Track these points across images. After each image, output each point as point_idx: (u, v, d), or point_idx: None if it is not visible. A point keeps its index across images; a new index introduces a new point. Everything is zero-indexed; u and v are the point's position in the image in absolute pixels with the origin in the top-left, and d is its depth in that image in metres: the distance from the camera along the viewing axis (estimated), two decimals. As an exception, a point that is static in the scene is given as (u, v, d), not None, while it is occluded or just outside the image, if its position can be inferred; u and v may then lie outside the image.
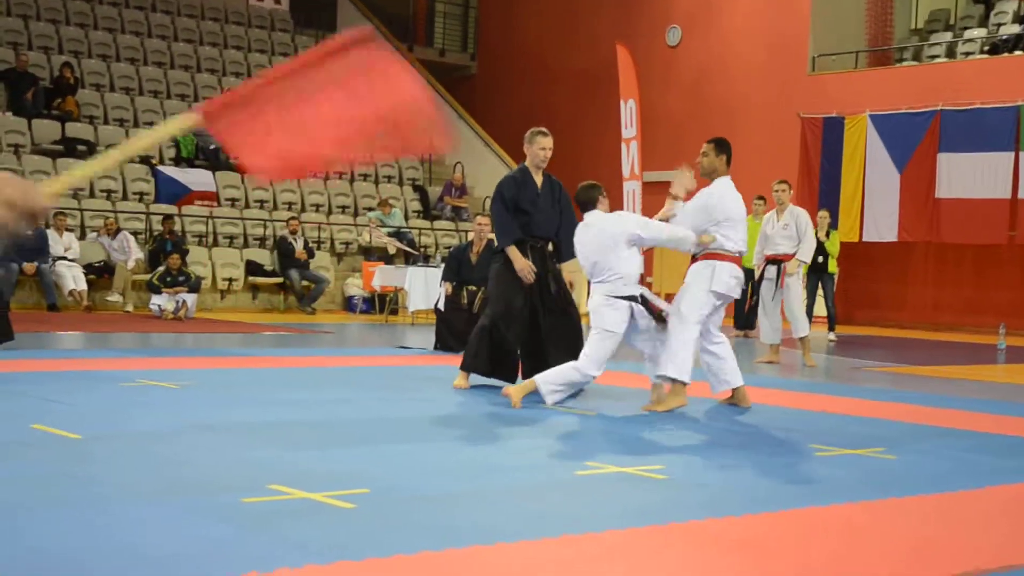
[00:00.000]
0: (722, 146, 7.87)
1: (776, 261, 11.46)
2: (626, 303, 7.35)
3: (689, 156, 24.62)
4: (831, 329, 16.07)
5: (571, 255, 8.25)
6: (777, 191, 11.75)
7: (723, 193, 7.81)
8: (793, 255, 11.43)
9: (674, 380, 7.40)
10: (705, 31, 23.35)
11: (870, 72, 21.70)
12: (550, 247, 8.51)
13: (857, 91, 20.92)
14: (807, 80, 21.79)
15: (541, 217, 8.44)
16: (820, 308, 16.29)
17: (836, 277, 16.10)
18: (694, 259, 7.81)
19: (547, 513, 4.41)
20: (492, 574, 3.56)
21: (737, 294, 7.80)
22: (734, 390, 7.83)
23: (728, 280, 7.66)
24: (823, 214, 16.40)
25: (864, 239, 19.57)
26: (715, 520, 4.33)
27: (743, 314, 16.33)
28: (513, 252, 8.23)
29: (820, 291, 16.06)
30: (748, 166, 22.24)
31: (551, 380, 7.33)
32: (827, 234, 15.83)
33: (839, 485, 5.17)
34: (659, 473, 5.27)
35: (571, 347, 8.00)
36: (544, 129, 8.67)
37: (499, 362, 8.34)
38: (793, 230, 11.45)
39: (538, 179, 8.54)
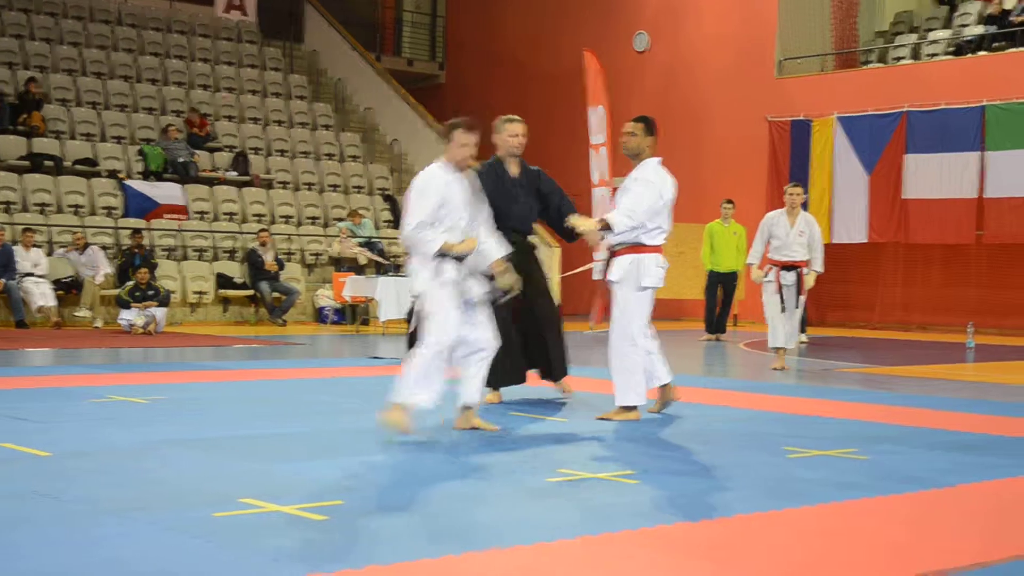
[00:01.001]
0: (651, 126, 7.60)
1: (793, 267, 11.33)
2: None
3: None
4: (802, 331, 16.10)
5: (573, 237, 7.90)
6: (792, 194, 11.37)
7: (664, 176, 7.52)
8: (807, 262, 11.33)
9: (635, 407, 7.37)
10: (672, 37, 23.44)
11: (836, 75, 21.83)
12: (531, 240, 8.32)
13: (824, 94, 21.05)
14: (774, 83, 21.90)
15: (517, 209, 8.10)
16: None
17: (806, 279, 16.14)
18: (613, 253, 7.43)
19: (520, 521, 4.40)
20: (465, 583, 3.55)
21: (663, 283, 7.41)
22: (663, 386, 7.65)
23: (656, 271, 7.34)
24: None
25: (834, 240, 19.66)
26: (688, 524, 4.34)
27: (714, 318, 16.38)
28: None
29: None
30: (717, 170, 22.37)
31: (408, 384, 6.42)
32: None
33: (812, 486, 5.18)
34: (631, 478, 5.27)
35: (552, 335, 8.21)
36: (514, 116, 8.16)
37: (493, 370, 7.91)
38: (808, 237, 11.34)
39: (513, 169, 8.16)
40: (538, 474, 5.38)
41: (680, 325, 20.46)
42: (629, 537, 4.14)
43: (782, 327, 11.33)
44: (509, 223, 7.87)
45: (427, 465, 5.64)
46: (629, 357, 7.29)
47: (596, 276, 7.56)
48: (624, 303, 7.32)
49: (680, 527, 4.30)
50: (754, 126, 21.75)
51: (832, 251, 20.27)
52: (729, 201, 16.67)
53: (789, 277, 11.27)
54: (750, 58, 22.09)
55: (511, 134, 8.01)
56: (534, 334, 8.21)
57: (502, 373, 7.87)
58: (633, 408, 7.33)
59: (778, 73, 21.99)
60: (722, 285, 16.40)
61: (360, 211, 20.28)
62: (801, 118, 20.96)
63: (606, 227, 7.15)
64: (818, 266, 11.37)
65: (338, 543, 3.96)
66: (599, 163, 17.99)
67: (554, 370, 8.37)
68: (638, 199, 7.25)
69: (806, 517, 4.57)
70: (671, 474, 5.49)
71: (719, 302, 16.50)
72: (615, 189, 7.57)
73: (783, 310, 11.31)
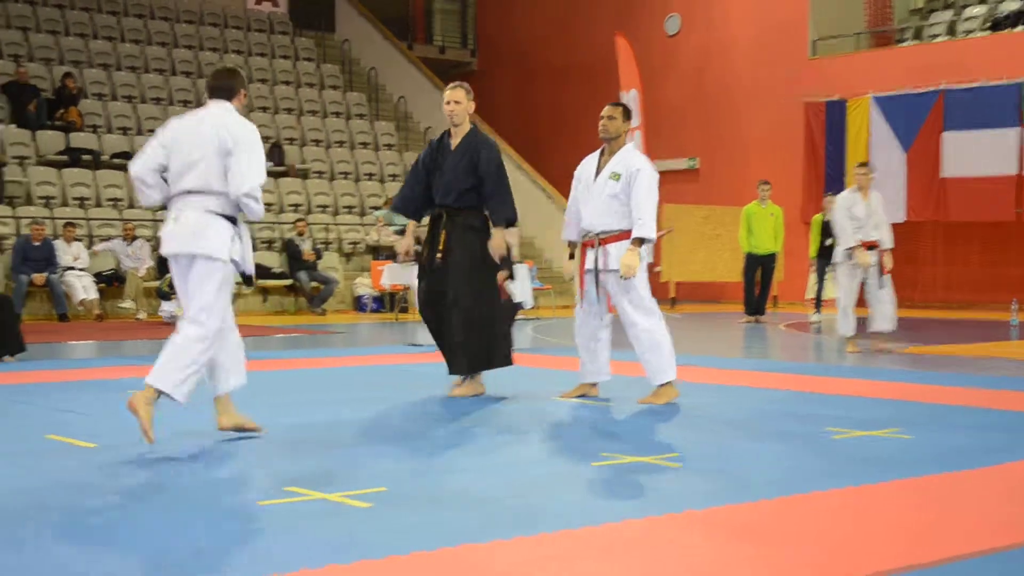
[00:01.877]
0: (628, 112, 7.50)
1: (872, 247, 11.13)
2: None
3: (692, 145, 24.71)
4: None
5: (500, 221, 7.52)
6: (862, 174, 11.25)
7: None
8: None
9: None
10: (704, 19, 23.32)
11: (871, 53, 21.66)
12: (457, 216, 7.63)
13: (859, 73, 20.89)
14: (808, 64, 21.76)
15: (440, 181, 7.62)
16: (831, 291, 16.25)
17: (846, 259, 16.03)
18: (601, 242, 7.30)
19: (566, 505, 4.40)
20: (513, 569, 3.55)
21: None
22: (593, 383, 7.63)
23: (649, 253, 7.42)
24: (830, 198, 16.39)
25: (872, 221, 19.48)
26: (733, 506, 4.33)
27: (753, 300, 16.31)
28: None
29: (830, 274, 16.02)
30: (751, 152, 22.27)
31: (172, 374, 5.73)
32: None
33: (855, 466, 5.16)
34: (674, 461, 5.26)
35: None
36: (456, 82, 7.73)
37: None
38: (879, 216, 11.24)
39: (454, 140, 7.67)
40: (582, 459, 5.38)
41: (718, 308, 20.40)
42: (674, 520, 4.14)
43: (879, 310, 11.19)
44: (433, 195, 7.70)
45: (470, 451, 5.65)
46: (654, 333, 7.29)
47: (588, 267, 7.42)
48: (632, 284, 7.28)
49: (725, 509, 4.28)
50: (788, 107, 21.62)
51: (870, 231, 20.19)
52: (766, 182, 16.58)
53: (873, 257, 11.15)
54: (783, 38, 21.95)
55: (444, 102, 7.66)
56: (444, 319, 7.68)
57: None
58: (670, 383, 7.33)
59: (812, 53, 21.85)
60: (761, 267, 16.31)
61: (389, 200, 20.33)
62: (836, 98, 20.82)
63: (641, 243, 7.17)
64: (889, 243, 11.25)
65: (384, 530, 3.97)
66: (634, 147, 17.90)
67: (451, 362, 7.74)
68: (651, 197, 7.21)
69: (852, 497, 4.55)
70: (714, 456, 5.48)
71: (758, 284, 16.42)
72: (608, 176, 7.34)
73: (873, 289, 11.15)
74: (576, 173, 7.56)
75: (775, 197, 16.88)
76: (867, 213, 11.12)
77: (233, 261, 5.77)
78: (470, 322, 7.55)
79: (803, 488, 4.68)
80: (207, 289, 5.70)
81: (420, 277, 7.85)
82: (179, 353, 5.64)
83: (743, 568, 3.55)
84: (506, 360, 7.81)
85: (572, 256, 7.59)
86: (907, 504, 4.46)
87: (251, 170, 5.74)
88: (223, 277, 5.75)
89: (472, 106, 7.73)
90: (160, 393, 5.59)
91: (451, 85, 7.71)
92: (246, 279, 6.10)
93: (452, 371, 7.75)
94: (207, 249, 5.69)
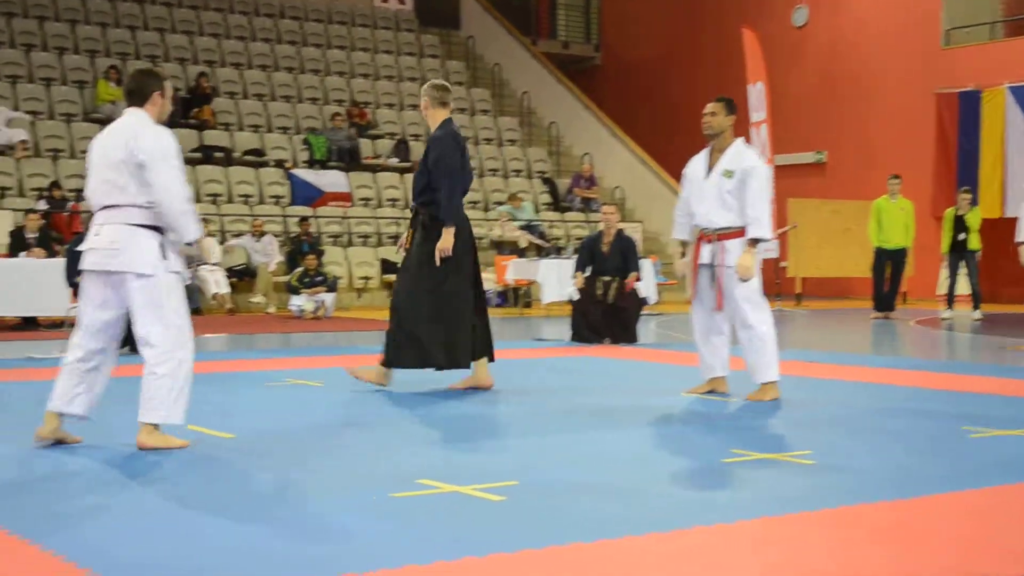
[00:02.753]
0: (731, 106, 7.34)
1: None
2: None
3: (819, 138, 24.29)
4: (976, 308, 15.65)
5: (443, 221, 7.46)
6: None
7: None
8: None
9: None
10: (833, 9, 22.93)
11: (1007, 43, 21.07)
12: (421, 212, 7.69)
13: (993, 63, 20.34)
14: (941, 54, 21.26)
15: (415, 178, 7.83)
16: (964, 286, 15.89)
17: (979, 254, 15.67)
18: (719, 237, 7.22)
19: (698, 502, 4.39)
20: (645, 564, 3.55)
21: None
22: (719, 378, 7.55)
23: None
24: (964, 190, 16.03)
25: (1007, 214, 19.00)
26: (867, 505, 4.27)
27: (883, 295, 16.00)
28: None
29: (963, 269, 15.67)
30: (881, 145, 21.84)
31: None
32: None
33: (995, 467, 5.04)
34: (807, 459, 5.20)
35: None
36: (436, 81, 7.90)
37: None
38: None
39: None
40: (712, 455, 5.35)
41: (846, 304, 20.06)
42: (809, 518, 4.10)
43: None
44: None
45: (598, 446, 5.66)
46: (764, 331, 7.19)
47: (703, 261, 7.33)
48: (753, 283, 7.20)
49: (860, 508, 4.22)
50: (920, 99, 21.16)
51: (1004, 225, 19.61)
52: (896, 176, 16.25)
53: None
54: (915, 28, 21.49)
55: (423, 107, 7.82)
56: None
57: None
58: (774, 382, 7.26)
59: (945, 43, 21.34)
60: (890, 262, 16.00)
61: (520, 195, 20.40)
62: (970, 89, 20.30)
63: (756, 243, 7.12)
64: None
65: (517, 523, 4.01)
66: (759, 141, 17.78)
67: (385, 354, 7.73)
68: (765, 195, 7.15)
69: (992, 497, 4.45)
70: (847, 454, 5.40)
71: (887, 279, 16.11)
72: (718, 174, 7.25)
73: None
74: (684, 172, 7.53)
75: (905, 190, 16.53)
76: None
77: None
78: (396, 319, 7.60)
79: (939, 488, 4.59)
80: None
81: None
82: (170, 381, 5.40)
83: (881, 568, 3.49)
84: (420, 363, 7.61)
85: (684, 255, 7.57)
86: (1049, 506, 4.36)
87: (173, 183, 5.35)
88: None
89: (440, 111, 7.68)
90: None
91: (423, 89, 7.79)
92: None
93: (385, 362, 7.66)
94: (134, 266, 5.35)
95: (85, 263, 5.45)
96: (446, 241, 7.44)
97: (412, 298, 7.57)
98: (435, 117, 7.72)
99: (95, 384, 5.48)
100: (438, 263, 7.47)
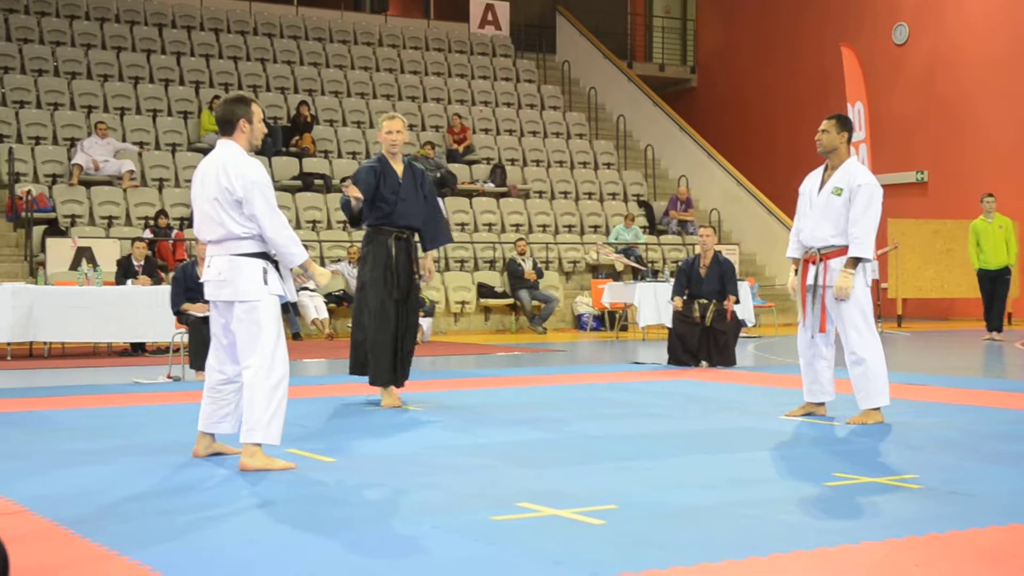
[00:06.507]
0: (845, 123, 7.26)
1: None
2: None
3: (920, 157, 23.90)
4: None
5: (435, 244, 8.42)
6: None
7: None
8: None
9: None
10: (935, 27, 22.58)
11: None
12: (416, 237, 8.41)
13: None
14: (1047, 70, 20.80)
15: (405, 206, 8.22)
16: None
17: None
18: (822, 257, 7.17)
19: (799, 526, 4.33)
20: (747, 588, 3.51)
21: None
22: (822, 404, 7.48)
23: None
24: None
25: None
26: (978, 530, 4.17)
27: (992, 315, 15.65)
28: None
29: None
30: (981, 164, 21.40)
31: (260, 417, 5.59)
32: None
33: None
34: (914, 483, 5.10)
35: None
36: (392, 113, 8.49)
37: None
38: None
39: (397, 167, 8.31)
40: (814, 478, 5.27)
41: (948, 325, 19.67)
42: (916, 543, 4.01)
43: None
44: (398, 220, 8.25)
45: (697, 469, 5.61)
46: (869, 356, 7.06)
47: (809, 282, 7.24)
48: (854, 303, 7.08)
49: (969, 533, 4.13)
50: (1021, 115, 20.71)
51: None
52: (990, 195, 15.88)
53: None
54: (1020, 44, 21.05)
55: (387, 131, 8.29)
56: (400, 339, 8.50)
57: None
58: (879, 409, 7.13)
59: (1051, 58, 20.87)
60: (993, 282, 15.65)
61: (628, 218, 20.44)
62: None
63: (856, 263, 7.01)
64: None
65: (617, 547, 3.99)
66: (860, 161, 17.50)
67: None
68: (871, 214, 7.01)
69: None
70: (954, 479, 5.28)
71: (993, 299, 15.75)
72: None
73: None
74: (801, 189, 7.44)
75: (1009, 209, 16.18)
76: None
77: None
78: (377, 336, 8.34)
79: (1052, 513, 4.47)
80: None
81: None
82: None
83: (990, 595, 3.41)
84: (361, 373, 8.51)
85: (796, 272, 7.47)
86: None
87: (269, 212, 5.56)
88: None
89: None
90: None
91: (389, 115, 8.38)
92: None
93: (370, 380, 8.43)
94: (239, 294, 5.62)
95: (205, 293, 5.80)
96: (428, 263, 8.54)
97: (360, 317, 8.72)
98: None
99: (239, 403, 5.78)
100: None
